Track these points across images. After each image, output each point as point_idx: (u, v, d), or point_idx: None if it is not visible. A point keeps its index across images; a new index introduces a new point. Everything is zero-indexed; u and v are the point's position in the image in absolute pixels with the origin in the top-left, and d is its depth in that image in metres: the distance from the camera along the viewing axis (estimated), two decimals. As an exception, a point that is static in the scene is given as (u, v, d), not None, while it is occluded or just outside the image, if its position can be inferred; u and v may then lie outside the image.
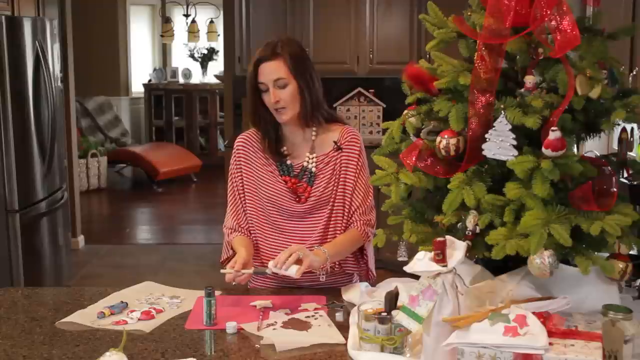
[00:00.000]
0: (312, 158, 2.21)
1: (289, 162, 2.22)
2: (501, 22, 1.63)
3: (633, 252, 1.69)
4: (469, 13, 1.78)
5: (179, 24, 9.59)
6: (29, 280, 4.07)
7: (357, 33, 5.41)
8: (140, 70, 10.28)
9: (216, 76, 9.78)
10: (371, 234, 2.20)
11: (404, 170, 1.76)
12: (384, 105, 5.48)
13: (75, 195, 6.06)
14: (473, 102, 1.64)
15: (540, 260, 1.53)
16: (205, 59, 10.20)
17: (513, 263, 1.70)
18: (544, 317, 1.47)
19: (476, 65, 1.65)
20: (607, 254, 1.64)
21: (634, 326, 1.47)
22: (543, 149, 1.55)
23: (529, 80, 1.65)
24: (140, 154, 8.59)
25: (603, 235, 1.52)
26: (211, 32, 9.33)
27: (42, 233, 4.37)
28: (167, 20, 9.32)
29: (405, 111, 1.85)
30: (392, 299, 1.64)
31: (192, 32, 9.14)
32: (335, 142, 2.21)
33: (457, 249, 1.52)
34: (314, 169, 2.20)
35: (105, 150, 8.57)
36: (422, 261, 1.53)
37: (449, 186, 1.66)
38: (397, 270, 1.70)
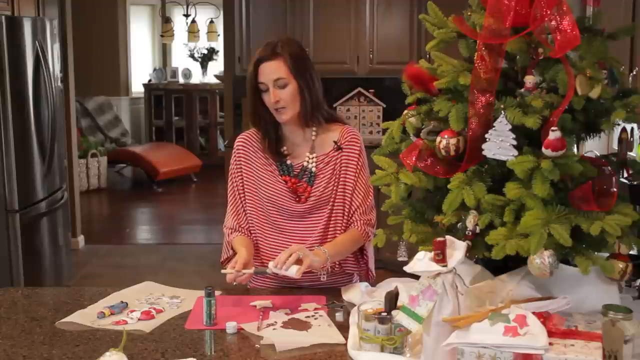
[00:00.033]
0: (312, 158, 2.21)
1: (289, 162, 2.22)
2: (501, 22, 1.64)
3: (633, 252, 1.69)
4: (469, 13, 1.78)
5: (179, 24, 9.59)
6: (29, 280, 4.07)
7: (357, 33, 5.41)
8: (140, 70, 10.28)
9: (216, 76, 9.78)
10: (371, 233, 2.20)
11: (404, 170, 1.76)
12: (384, 105, 5.48)
13: (75, 195, 6.06)
14: (473, 102, 1.65)
15: (540, 260, 1.53)
16: (205, 59, 10.20)
17: (513, 263, 1.70)
18: (544, 317, 1.47)
19: (476, 65, 1.65)
20: (607, 254, 1.64)
21: (634, 326, 1.47)
22: (543, 149, 1.55)
23: (529, 80, 1.65)
24: (140, 154, 8.59)
25: (603, 235, 1.52)
26: (211, 32, 9.33)
27: (42, 233, 4.37)
28: (167, 20, 9.32)
29: (405, 111, 1.85)
30: (392, 299, 1.64)
31: (192, 32, 9.14)
32: (336, 142, 2.21)
33: (457, 249, 1.52)
34: (314, 169, 2.20)
35: (105, 150, 8.57)
36: (422, 261, 1.53)
37: (449, 186, 1.66)
38: (397, 270, 1.70)
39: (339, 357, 1.68)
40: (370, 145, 2.68)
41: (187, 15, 9.19)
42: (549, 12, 1.61)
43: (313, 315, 1.93)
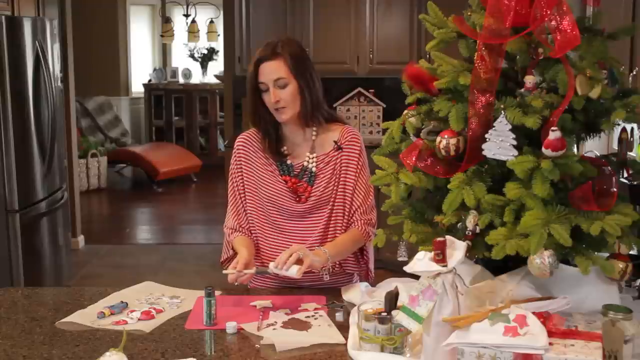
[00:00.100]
0: (313, 158, 2.21)
1: (289, 161, 2.22)
2: (501, 22, 1.64)
3: (633, 252, 1.69)
4: (469, 13, 1.78)
5: (179, 24, 9.59)
6: (29, 280, 4.07)
7: (357, 33, 5.41)
8: (140, 70, 10.28)
9: (216, 76, 9.78)
10: (372, 233, 2.20)
11: (404, 170, 1.76)
12: (384, 105, 5.48)
13: (75, 195, 6.06)
14: (473, 102, 1.65)
15: (540, 260, 1.53)
16: (205, 59, 10.20)
17: (513, 263, 1.70)
18: (544, 317, 1.47)
19: (476, 65, 1.65)
20: (607, 254, 1.64)
21: (634, 326, 1.47)
22: (543, 149, 1.55)
23: (529, 80, 1.65)
24: (140, 154, 8.59)
25: (603, 235, 1.52)
26: (211, 32, 9.33)
27: (42, 233, 4.37)
28: (167, 20, 9.32)
29: (405, 111, 1.85)
30: (392, 299, 1.64)
31: (192, 32, 9.14)
32: (336, 142, 2.21)
33: (457, 249, 1.52)
34: (314, 169, 2.20)
35: (105, 150, 8.57)
36: (422, 261, 1.53)
37: (449, 186, 1.66)
38: (397, 270, 1.70)
39: (339, 357, 1.68)
40: (370, 145, 2.68)
41: (187, 15, 9.19)
42: (549, 12, 1.61)
43: (313, 315, 1.93)
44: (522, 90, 1.66)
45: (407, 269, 1.55)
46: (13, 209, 4.02)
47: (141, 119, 10.32)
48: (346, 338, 1.74)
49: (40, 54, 4.28)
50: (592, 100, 1.63)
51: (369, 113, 5.53)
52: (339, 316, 1.91)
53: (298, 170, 2.21)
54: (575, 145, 1.75)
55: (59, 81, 4.83)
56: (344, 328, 1.81)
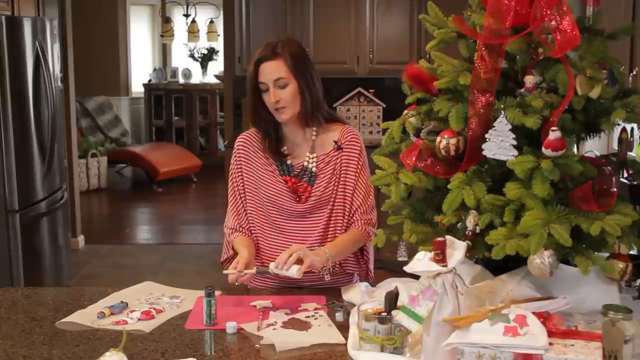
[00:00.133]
0: (313, 158, 2.21)
1: (289, 161, 2.22)
2: (501, 22, 1.64)
3: (633, 252, 1.69)
4: (469, 13, 1.78)
5: (179, 24, 9.59)
6: (29, 280, 4.07)
7: (357, 33, 5.41)
8: (140, 70, 10.28)
9: (216, 76, 9.78)
10: (372, 233, 2.20)
11: (404, 170, 1.76)
12: (384, 105, 5.48)
13: (75, 195, 6.06)
14: (473, 102, 1.65)
15: (540, 260, 1.53)
16: (205, 59, 10.20)
17: (513, 263, 1.70)
18: (544, 317, 1.47)
19: (476, 65, 1.65)
20: (607, 254, 1.64)
21: (634, 326, 1.47)
22: (543, 149, 1.55)
23: (529, 80, 1.65)
24: (140, 154, 8.59)
25: (603, 235, 1.52)
26: (211, 32, 9.33)
27: (42, 233, 4.37)
28: (167, 20, 9.32)
29: (405, 111, 1.85)
30: (392, 299, 1.64)
31: (192, 32, 9.14)
32: (336, 142, 2.21)
33: (457, 249, 1.52)
34: (314, 169, 2.20)
35: (105, 150, 8.57)
36: (422, 261, 1.53)
37: (449, 186, 1.66)
38: (397, 270, 1.70)
39: (339, 357, 1.68)
40: (370, 145, 2.68)
41: (187, 15, 9.19)
42: (549, 12, 1.61)
43: (313, 315, 1.93)
44: (522, 90, 1.66)
45: (407, 269, 1.55)
46: (13, 209, 4.02)
47: (141, 119, 10.32)
48: (346, 338, 1.74)
49: (40, 54, 4.28)
50: (592, 100, 1.63)
51: (369, 113, 5.53)
52: (339, 316, 1.91)
53: (298, 170, 2.21)
54: (575, 145, 1.75)
55: (59, 81, 4.83)
56: (344, 328, 1.81)
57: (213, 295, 1.89)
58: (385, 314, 1.63)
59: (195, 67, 10.34)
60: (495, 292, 1.66)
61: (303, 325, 1.86)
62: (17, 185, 4.01)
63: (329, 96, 3.79)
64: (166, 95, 9.89)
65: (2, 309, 2.01)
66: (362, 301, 1.81)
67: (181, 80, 10.33)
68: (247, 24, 5.38)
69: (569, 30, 1.60)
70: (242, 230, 2.25)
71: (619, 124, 1.67)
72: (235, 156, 2.28)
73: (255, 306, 2.00)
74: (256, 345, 1.74)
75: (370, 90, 5.52)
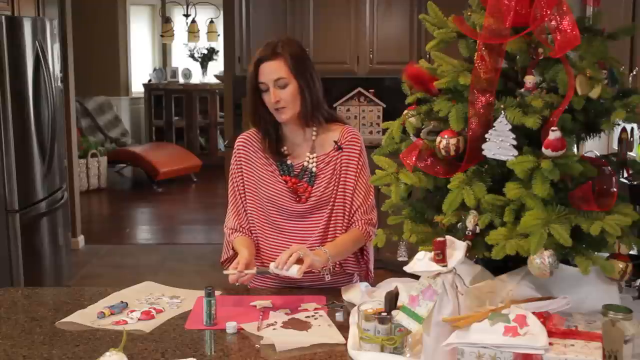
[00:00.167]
0: (313, 158, 2.21)
1: (289, 162, 2.22)
2: (501, 22, 1.64)
3: (633, 252, 1.69)
4: (469, 13, 1.78)
5: (179, 24, 9.59)
6: (29, 280, 4.07)
7: (357, 33, 5.41)
8: (140, 70, 10.28)
9: (216, 76, 9.78)
10: (373, 233, 2.20)
11: (404, 170, 1.76)
12: (384, 105, 5.48)
13: (75, 195, 6.06)
14: (473, 102, 1.65)
15: (540, 260, 1.53)
16: (205, 59, 10.20)
17: (513, 263, 1.70)
18: (544, 317, 1.47)
19: (476, 65, 1.65)
20: (607, 254, 1.64)
21: (634, 326, 1.47)
22: (543, 149, 1.55)
23: (529, 80, 1.65)
24: (140, 154, 8.59)
25: (603, 235, 1.52)
26: (211, 32, 9.33)
27: (42, 233, 4.37)
28: (167, 20, 9.32)
29: (405, 111, 1.85)
30: (392, 299, 1.64)
31: (192, 32, 9.14)
32: (336, 142, 2.21)
33: (457, 249, 1.52)
34: (314, 169, 2.20)
35: (105, 150, 8.57)
36: (422, 261, 1.53)
37: (449, 186, 1.66)
38: (397, 270, 1.70)
39: (339, 357, 1.68)
40: (370, 145, 2.68)
41: (187, 15, 9.19)
42: (549, 12, 1.61)
43: (313, 315, 1.93)
44: (522, 90, 1.66)
45: (407, 269, 1.55)
46: (13, 209, 4.02)
47: (141, 119, 10.32)
48: (346, 338, 1.74)
49: (40, 54, 4.28)
50: (592, 100, 1.63)
51: (369, 113, 5.53)
52: (339, 316, 1.91)
53: (298, 171, 2.21)
54: (575, 145, 1.75)
55: (59, 81, 4.83)
56: (344, 328, 1.81)
57: (213, 295, 1.89)
58: (385, 314, 1.63)
59: (195, 67, 10.34)
60: (495, 292, 1.66)
61: (303, 325, 1.86)
62: (17, 185, 4.01)
63: (329, 96, 3.78)
64: (166, 95, 9.90)
65: (2, 309, 2.01)
66: (362, 301, 1.81)
67: (181, 80, 10.33)
68: (247, 24, 5.38)
69: (569, 30, 1.60)
70: (242, 231, 2.25)
71: (619, 124, 1.67)
72: (235, 156, 2.28)
73: (255, 306, 2.00)
74: (256, 345, 1.74)
75: (370, 90, 5.52)
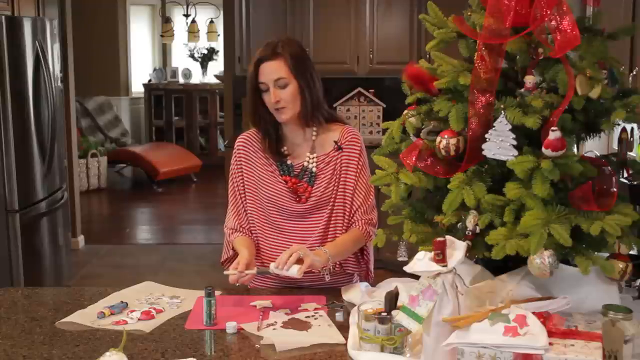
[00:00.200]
0: (313, 158, 2.21)
1: (289, 162, 2.22)
2: (501, 22, 1.64)
3: (633, 252, 1.69)
4: (469, 13, 1.78)
5: (179, 24, 9.59)
6: (29, 280, 4.07)
7: (357, 33, 5.41)
8: (140, 70, 10.28)
9: (216, 76, 9.78)
10: (373, 233, 2.20)
11: (404, 170, 1.76)
12: (384, 105, 5.48)
13: (75, 195, 6.06)
14: (473, 102, 1.65)
15: (540, 260, 1.53)
16: (205, 59, 10.20)
17: (513, 263, 1.70)
18: (544, 317, 1.47)
19: (476, 65, 1.65)
20: (607, 254, 1.64)
21: (634, 326, 1.47)
22: (543, 149, 1.55)
23: (529, 80, 1.65)
24: (140, 154, 8.59)
25: (603, 235, 1.52)
26: (211, 32, 9.33)
27: (42, 233, 4.37)
28: (167, 20, 9.32)
29: (405, 111, 1.85)
30: (392, 299, 1.64)
31: (192, 32, 9.14)
32: (336, 142, 2.21)
33: (457, 249, 1.52)
34: (314, 169, 2.20)
35: (105, 150, 8.57)
36: (422, 261, 1.53)
37: (449, 186, 1.66)
38: (397, 270, 1.70)
39: (339, 357, 1.68)
40: (370, 145, 2.68)
41: (187, 15, 9.19)
42: (549, 12, 1.61)
43: (313, 315, 1.93)
44: (522, 90, 1.66)
45: (407, 269, 1.55)
46: (13, 209, 4.02)
47: (141, 119, 10.32)
48: (346, 338, 1.74)
49: (40, 54, 4.28)
50: (592, 100, 1.63)
51: (369, 113, 5.53)
52: (339, 316, 1.91)
53: (298, 171, 2.21)
54: (575, 145, 1.75)
55: (59, 81, 4.83)
56: (344, 328, 1.81)
57: (213, 295, 1.89)
58: (385, 314, 1.63)
59: (195, 67, 10.34)
60: (495, 292, 1.66)
61: (303, 325, 1.86)
62: (17, 185, 4.01)
63: (329, 96, 3.79)
64: (166, 95, 9.90)
65: (2, 309, 2.01)
66: (362, 301, 1.81)
67: (181, 80, 10.33)
68: (247, 24, 5.38)
69: (569, 30, 1.60)
70: (242, 231, 2.25)
71: (619, 124, 1.67)
72: (235, 156, 2.28)
73: (255, 306, 2.00)
74: (256, 345, 1.74)
75: (370, 90, 5.52)
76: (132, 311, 1.97)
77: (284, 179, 2.21)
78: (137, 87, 10.22)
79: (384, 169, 1.80)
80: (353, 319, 1.80)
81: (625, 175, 1.84)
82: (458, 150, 1.68)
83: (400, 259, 1.82)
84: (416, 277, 1.56)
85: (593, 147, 2.23)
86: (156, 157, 8.49)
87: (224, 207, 2.34)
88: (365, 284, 2.10)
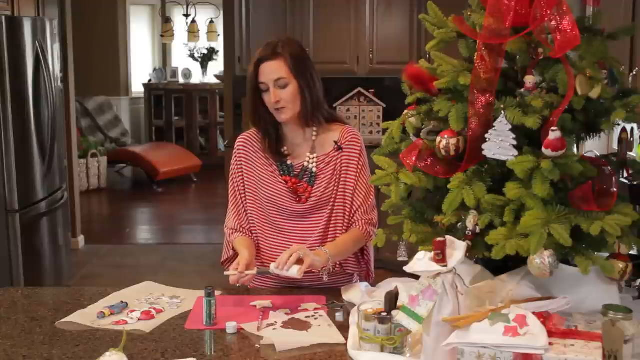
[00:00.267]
0: (313, 158, 2.21)
1: (289, 162, 2.22)
2: (501, 22, 1.64)
3: (633, 252, 1.69)
4: (469, 13, 1.78)
5: (179, 24, 9.59)
6: (29, 280, 4.07)
7: (357, 33, 5.41)
8: (140, 70, 10.28)
9: (216, 76, 9.78)
10: (373, 233, 2.20)
11: (404, 170, 1.76)
12: (384, 105, 5.48)
13: (75, 195, 6.06)
14: (473, 102, 1.65)
15: (540, 260, 1.53)
16: (205, 59, 10.20)
17: (513, 263, 1.70)
18: (544, 317, 1.47)
19: (476, 65, 1.65)
20: (607, 254, 1.64)
21: (634, 326, 1.47)
22: (543, 149, 1.55)
23: (529, 80, 1.65)
24: (140, 154, 8.59)
25: (603, 235, 1.52)
26: (211, 32, 9.33)
27: (42, 233, 4.37)
28: (167, 20, 9.32)
29: (405, 111, 1.85)
30: (392, 299, 1.64)
31: (192, 32, 9.14)
32: (336, 142, 2.21)
33: (457, 249, 1.52)
34: (314, 169, 2.20)
35: (105, 150, 8.57)
36: (422, 261, 1.53)
37: (449, 186, 1.66)
38: (397, 270, 1.70)
39: (339, 357, 1.68)
40: (370, 145, 2.68)
41: (187, 15, 9.19)
42: (549, 12, 1.61)
43: (313, 315, 1.93)
44: (522, 90, 1.66)
45: (407, 269, 1.55)
46: (13, 209, 4.02)
47: (141, 119, 10.32)
48: (346, 338, 1.74)
49: (40, 54, 4.28)
50: (592, 100, 1.63)
51: (369, 113, 5.53)
52: (339, 316, 1.91)
53: (298, 171, 2.21)
54: (575, 145, 1.75)
55: (59, 81, 4.83)
56: (344, 328, 1.81)
57: (213, 295, 1.89)
58: (385, 314, 1.63)
59: (195, 67, 10.34)
60: (495, 292, 1.66)
61: (303, 325, 1.86)
62: (17, 185, 4.01)
63: (329, 96, 3.77)
64: (166, 95, 9.90)
65: (2, 309, 2.01)
66: (362, 301, 1.81)
67: (181, 80, 10.33)
68: (247, 24, 5.38)
69: (569, 30, 1.60)
70: (242, 231, 2.25)
71: (619, 124, 1.67)
72: (235, 156, 2.28)
73: (255, 306, 2.00)
74: (256, 345, 1.74)
75: (370, 90, 5.52)
76: (132, 311, 1.97)
77: (284, 179, 2.21)
78: (137, 87, 10.22)
79: (384, 169, 1.80)
80: (353, 319, 1.80)
81: (625, 175, 1.84)
82: (458, 150, 1.68)
83: (400, 259, 1.82)
84: (416, 277, 1.56)
85: (593, 147, 2.23)
86: (156, 157, 8.50)
87: (224, 207, 2.34)
88: (365, 284, 2.10)
